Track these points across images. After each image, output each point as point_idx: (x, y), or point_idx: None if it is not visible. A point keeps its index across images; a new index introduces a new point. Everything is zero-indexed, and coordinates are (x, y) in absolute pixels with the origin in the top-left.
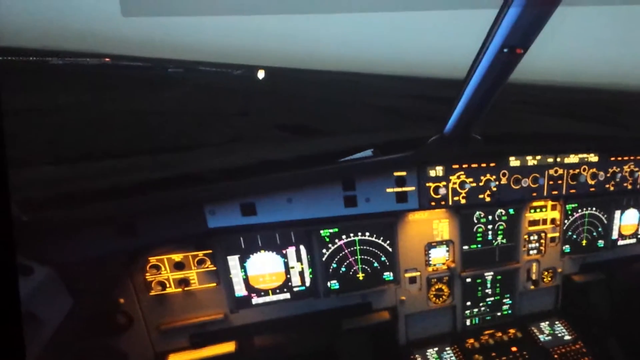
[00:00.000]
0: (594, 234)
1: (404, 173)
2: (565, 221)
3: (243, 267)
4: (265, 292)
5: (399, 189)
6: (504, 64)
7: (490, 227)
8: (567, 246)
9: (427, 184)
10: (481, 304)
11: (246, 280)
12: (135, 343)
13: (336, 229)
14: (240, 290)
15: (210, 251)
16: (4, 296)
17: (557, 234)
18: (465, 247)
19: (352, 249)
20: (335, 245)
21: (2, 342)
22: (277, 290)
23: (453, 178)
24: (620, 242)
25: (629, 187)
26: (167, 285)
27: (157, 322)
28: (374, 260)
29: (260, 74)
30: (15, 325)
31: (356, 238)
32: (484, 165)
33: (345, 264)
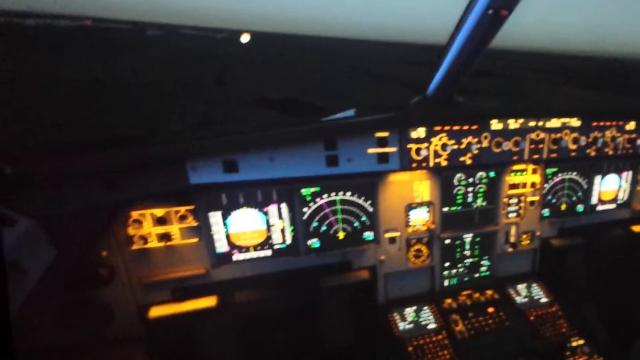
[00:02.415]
0: (574, 198)
1: (386, 134)
2: (545, 185)
3: (225, 224)
4: (247, 249)
5: (381, 150)
6: (488, 26)
7: (470, 189)
8: (546, 210)
9: (409, 146)
10: (459, 265)
11: (228, 237)
12: (118, 295)
13: (317, 188)
14: (221, 246)
15: (192, 207)
16: None
17: (536, 198)
18: (445, 209)
19: (333, 208)
20: (316, 204)
21: None
22: (258, 247)
23: (435, 140)
24: (600, 207)
25: (610, 152)
26: (149, 240)
27: (139, 275)
28: (354, 220)
29: (244, 38)
30: None
31: (337, 197)
32: (465, 127)
33: (326, 222)
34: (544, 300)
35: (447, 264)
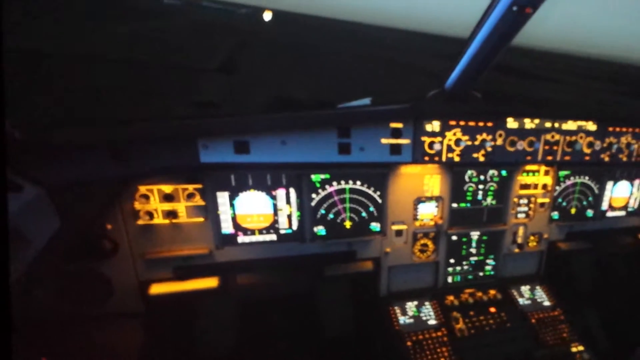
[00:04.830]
0: (584, 203)
1: (400, 125)
2: (557, 188)
3: (232, 205)
4: (252, 232)
5: (394, 141)
6: (511, 23)
7: (481, 187)
8: (555, 213)
9: (423, 138)
10: (464, 263)
11: (234, 218)
12: (119, 270)
13: (327, 175)
14: (227, 227)
15: (201, 186)
16: None
17: (547, 200)
18: (455, 205)
19: (341, 196)
20: (325, 192)
21: None
22: (264, 231)
23: (449, 134)
24: (609, 214)
25: (624, 159)
26: (155, 216)
27: (142, 250)
28: (362, 210)
29: (267, 16)
30: (0, 240)
31: (347, 186)
32: (481, 124)
33: (333, 211)
34: (546, 303)
35: (452, 261)
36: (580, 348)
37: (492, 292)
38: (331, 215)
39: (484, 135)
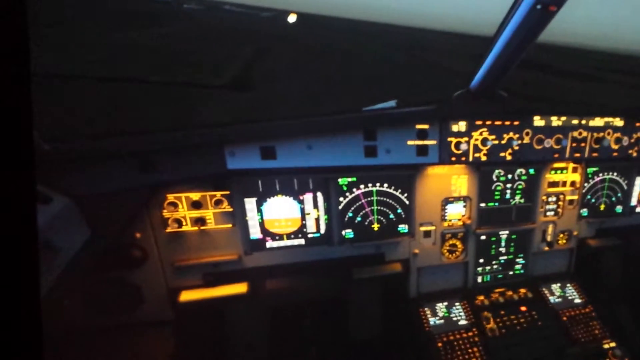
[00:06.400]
0: (613, 199)
1: (426, 126)
2: (585, 184)
3: (259, 210)
4: (280, 237)
5: (420, 142)
6: (536, 21)
7: (509, 185)
8: (584, 210)
9: (449, 139)
10: (494, 262)
11: (262, 224)
12: (149, 278)
13: (354, 178)
14: (255, 233)
15: (228, 192)
16: (22, 223)
17: (575, 197)
18: (483, 205)
19: (369, 199)
20: (353, 195)
21: (17, 269)
22: (292, 236)
23: (475, 134)
24: (639, 209)
25: None
26: (184, 223)
27: (171, 258)
28: (390, 212)
29: (291, 18)
30: (31, 252)
31: (374, 188)
32: (507, 123)
33: (361, 213)
34: (577, 300)
35: (481, 261)
36: (613, 344)
37: (523, 291)
38: (359, 218)
39: (511, 134)
